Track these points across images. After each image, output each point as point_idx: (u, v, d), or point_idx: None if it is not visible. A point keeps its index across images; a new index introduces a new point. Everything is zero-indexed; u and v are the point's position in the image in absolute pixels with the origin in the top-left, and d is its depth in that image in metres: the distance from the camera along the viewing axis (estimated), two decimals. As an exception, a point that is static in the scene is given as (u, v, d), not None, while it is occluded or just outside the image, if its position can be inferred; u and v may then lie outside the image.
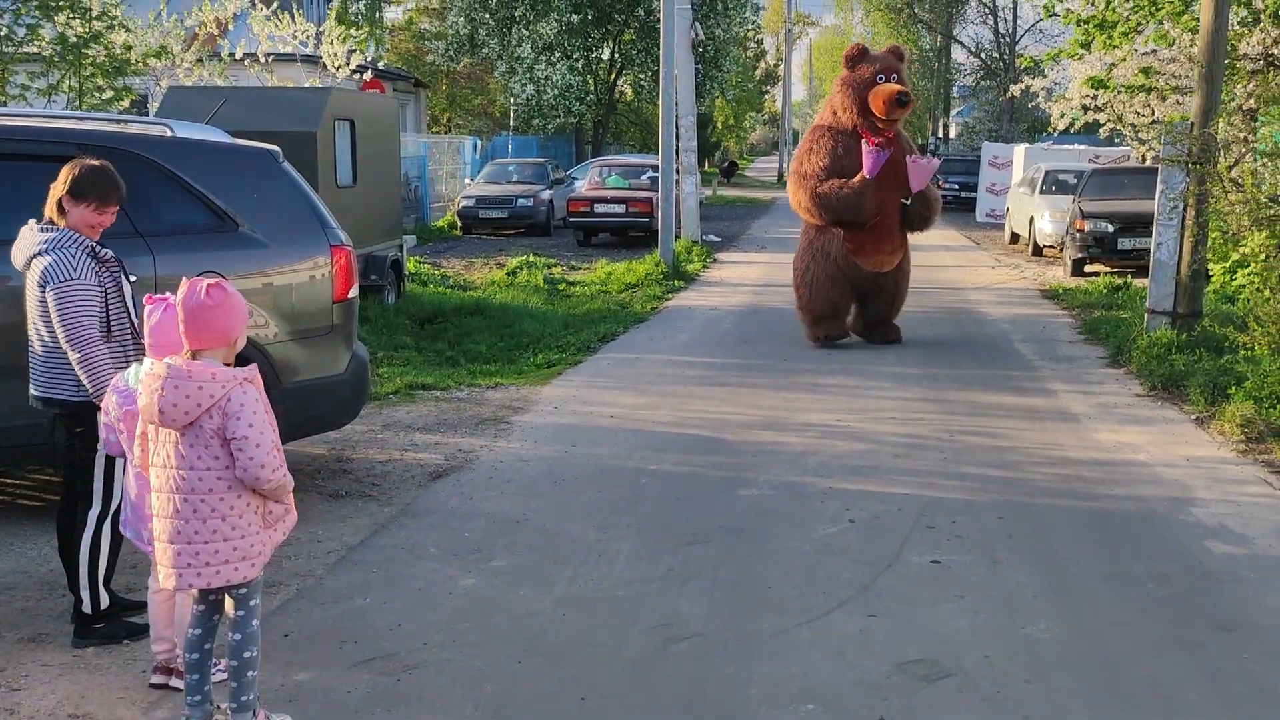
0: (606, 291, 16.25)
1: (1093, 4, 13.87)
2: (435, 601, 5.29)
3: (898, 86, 11.29)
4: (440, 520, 6.43)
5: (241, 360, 4.01)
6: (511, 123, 40.72)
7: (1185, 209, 10.61)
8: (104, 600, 4.79)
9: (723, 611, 5.20)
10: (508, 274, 17.39)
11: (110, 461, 4.62)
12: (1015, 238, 23.85)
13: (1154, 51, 13.85)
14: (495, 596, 5.35)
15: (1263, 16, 11.67)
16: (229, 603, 3.94)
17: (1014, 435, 8.34)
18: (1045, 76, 18.86)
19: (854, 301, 12.08)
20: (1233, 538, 6.18)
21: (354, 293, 6.76)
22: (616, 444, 8.06)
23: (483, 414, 8.95)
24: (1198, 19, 11.15)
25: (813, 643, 4.87)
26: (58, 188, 4.53)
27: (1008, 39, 47.63)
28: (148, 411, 3.75)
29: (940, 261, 20.48)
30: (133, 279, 5.13)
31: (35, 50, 14.92)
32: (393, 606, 5.23)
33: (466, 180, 29.83)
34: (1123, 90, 13.94)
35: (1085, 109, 17.01)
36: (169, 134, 6.27)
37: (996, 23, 48.34)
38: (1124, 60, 13.95)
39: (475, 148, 33.14)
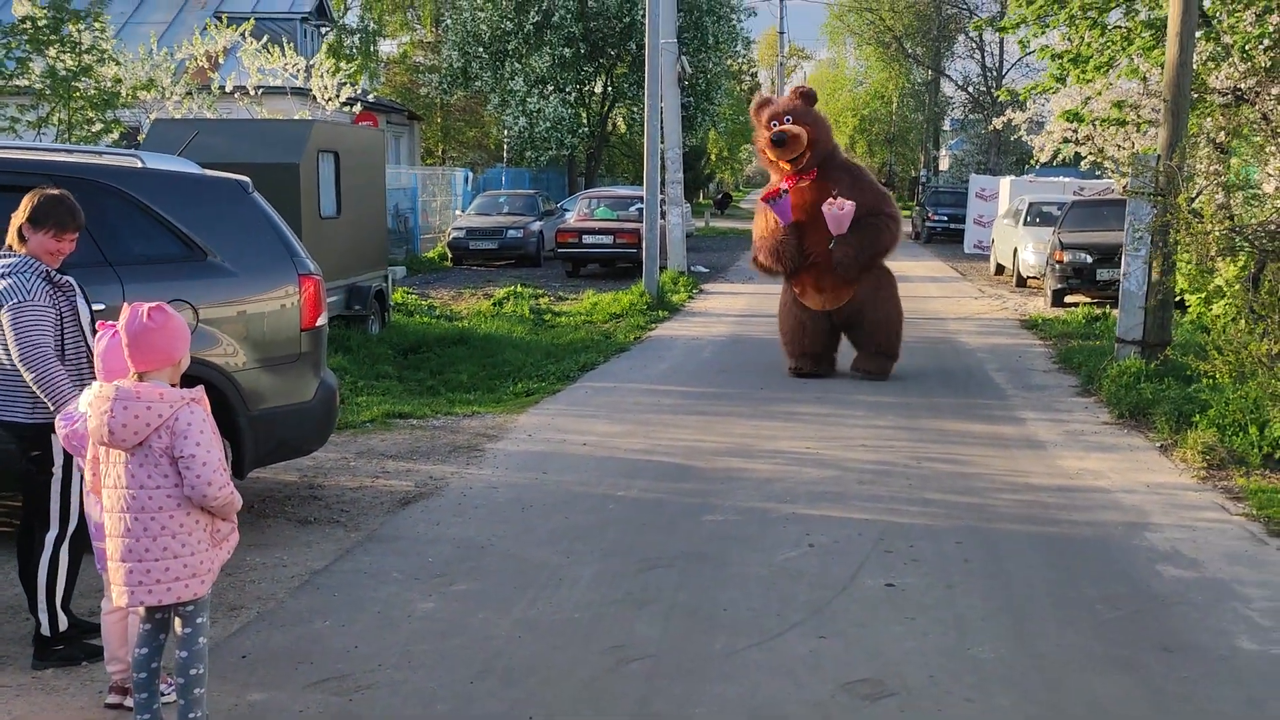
0: (591, 322, 16.38)
1: (1068, 40, 14.04)
2: (394, 624, 5.37)
3: (776, 128, 11.51)
4: (406, 545, 6.51)
5: (192, 383, 4.10)
6: (505, 155, 41.01)
7: (1153, 239, 10.76)
8: (62, 622, 4.87)
9: (677, 633, 5.28)
10: (494, 304, 17.53)
11: (67, 484, 4.72)
12: (1000, 269, 24.04)
13: (1135, 85, 14.03)
14: (454, 619, 5.43)
15: (1232, 51, 11.84)
16: (177, 621, 4.03)
17: (980, 462, 8.44)
18: (1026, 110, 19.04)
19: (833, 338, 12.17)
20: (1184, 562, 6.27)
21: (322, 320, 6.86)
22: (587, 471, 8.15)
23: (457, 442, 9.04)
24: (1168, 54, 11.29)
25: (762, 664, 4.96)
26: (18, 216, 4.65)
27: (994, 73, 48.03)
28: (97, 433, 3.85)
29: (925, 292, 20.63)
30: (100, 307, 5.25)
31: (25, 83, 15.11)
32: (351, 629, 5.30)
33: (457, 212, 30.01)
34: (1098, 123, 14.10)
35: (1067, 141, 17.19)
36: (139, 165, 6.39)
37: (983, 57, 48.76)
38: (1099, 94, 14.12)
39: (467, 180, 33.36)
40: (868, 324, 11.86)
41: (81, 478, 4.57)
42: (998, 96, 22.42)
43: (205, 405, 3.93)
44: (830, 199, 11.43)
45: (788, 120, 11.57)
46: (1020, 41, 15.18)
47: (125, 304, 4.02)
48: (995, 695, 4.65)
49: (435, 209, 29.88)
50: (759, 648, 5.12)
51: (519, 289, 18.97)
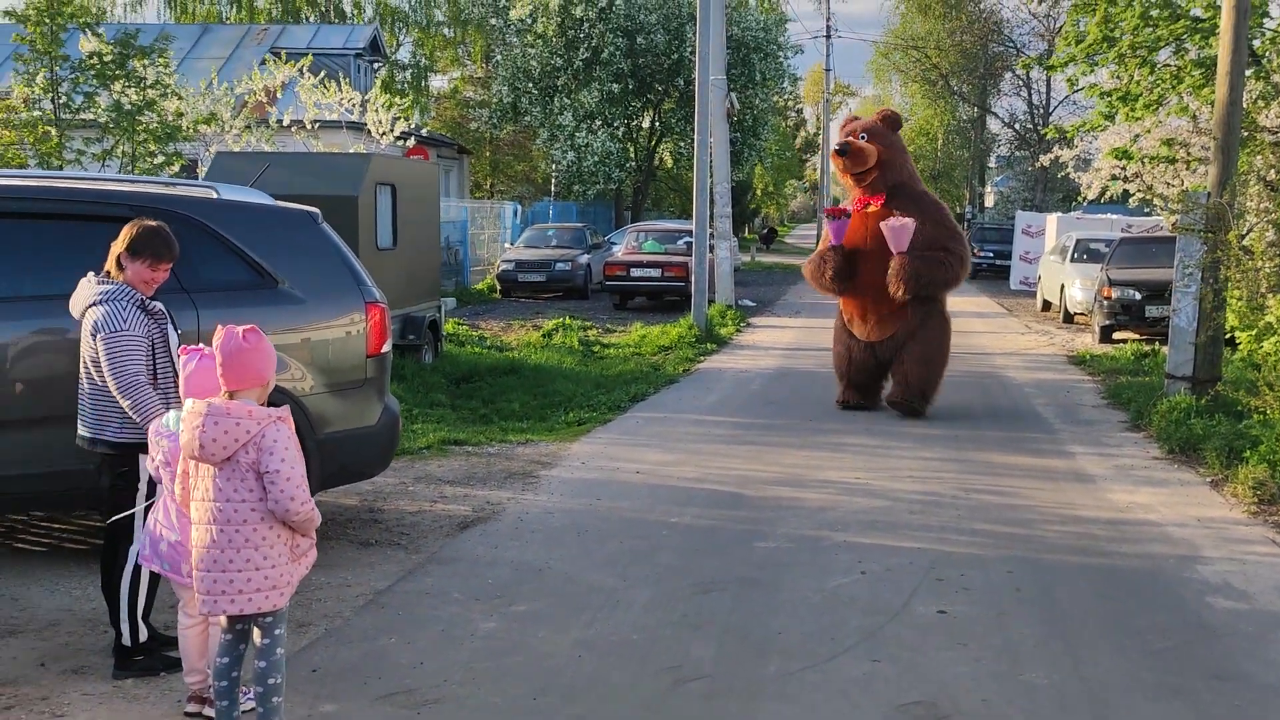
0: (640, 353, 16.54)
1: (1117, 78, 14.14)
2: (457, 642, 5.52)
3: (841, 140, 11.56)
4: (466, 567, 6.67)
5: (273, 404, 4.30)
6: (553, 189, 41.45)
7: (1203, 276, 10.81)
8: (143, 634, 5.07)
9: (732, 655, 5.40)
10: (544, 336, 17.74)
11: (150, 500, 4.92)
12: (1047, 305, 24.03)
13: (1185, 123, 14.09)
14: (515, 639, 5.58)
15: (1282, 89, 11.92)
16: (256, 631, 4.21)
17: (1029, 494, 8.51)
18: (1074, 147, 19.12)
19: (879, 371, 12.01)
20: (1235, 594, 6.32)
21: (387, 347, 7.06)
22: (640, 498, 8.30)
23: (512, 468, 9.22)
24: (1218, 92, 11.36)
25: (816, 685, 5.07)
26: (118, 245, 4.90)
27: (1041, 110, 48.01)
28: (189, 447, 4.06)
29: (971, 328, 20.66)
30: (179, 332, 5.47)
31: (91, 117, 15.53)
32: (416, 646, 5.46)
33: (506, 245, 30.34)
34: (1146, 161, 14.17)
35: (1115, 178, 17.26)
36: (215, 196, 6.63)
37: (1030, 95, 48.77)
38: (1149, 132, 14.20)
39: (516, 213, 33.73)
40: (906, 359, 11.64)
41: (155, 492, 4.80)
42: (1044, 134, 22.47)
43: (291, 424, 4.13)
44: (891, 214, 11.34)
45: (863, 137, 11.56)
46: (1069, 80, 15.29)
47: (219, 326, 4.22)
48: (1049, 719, 4.74)
49: (484, 242, 30.23)
50: (813, 670, 5.23)
51: (568, 321, 19.19)
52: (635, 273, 23.58)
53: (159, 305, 4.98)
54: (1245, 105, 11.53)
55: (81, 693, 4.89)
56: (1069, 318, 21.64)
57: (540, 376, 13.63)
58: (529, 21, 34.79)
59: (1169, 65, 13.72)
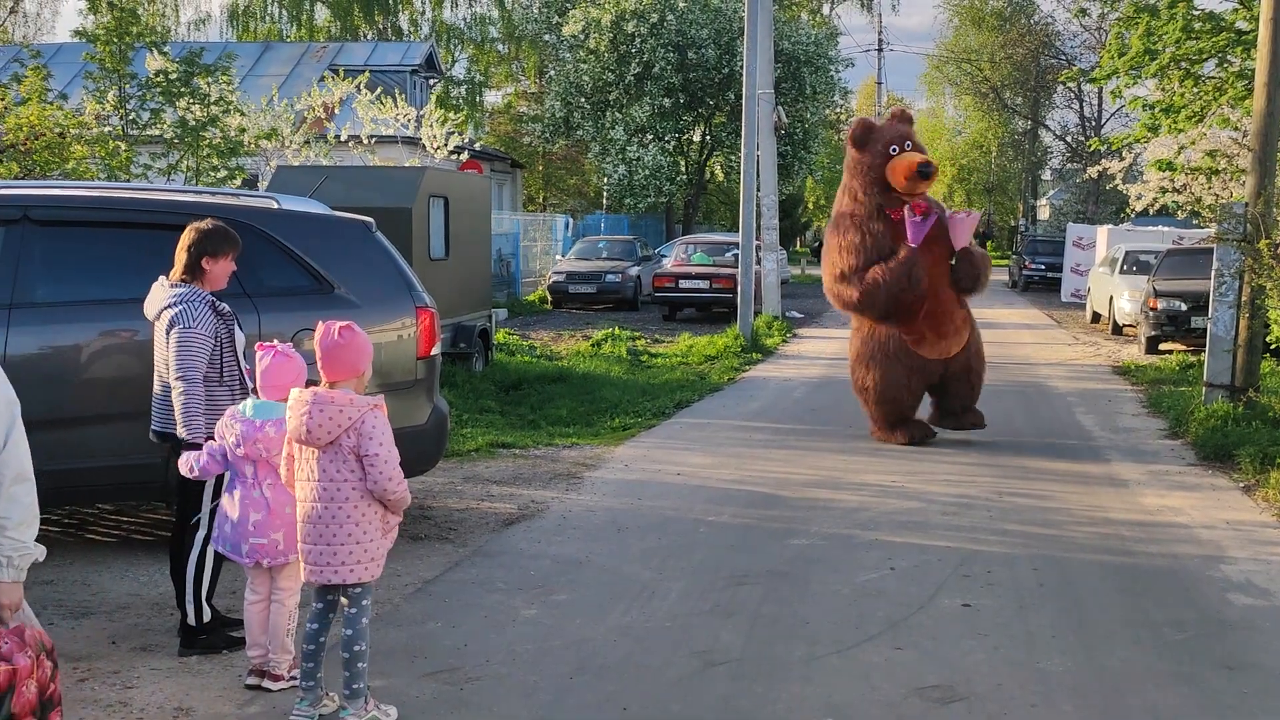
0: (686, 363, 16.82)
1: (1161, 90, 14.26)
2: (499, 627, 5.83)
3: (919, 157, 10.15)
4: (510, 560, 6.99)
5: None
6: (604, 202, 41.86)
7: (1241, 285, 10.93)
8: (206, 614, 5.42)
9: (760, 641, 5.67)
10: (593, 345, 18.06)
11: (217, 490, 5.28)
12: (1096, 317, 24.05)
13: (1232, 134, 14.17)
14: (554, 624, 5.88)
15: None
16: (344, 601, 4.64)
17: (1061, 498, 8.70)
18: (1124, 159, 19.19)
19: (936, 389, 10.88)
20: (1255, 591, 6.50)
21: (436, 350, 7.41)
22: (680, 498, 8.58)
23: (557, 470, 9.53)
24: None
25: (840, 669, 5.33)
26: (185, 254, 5.25)
27: (1093, 123, 47.85)
28: (296, 432, 4.49)
29: (1018, 339, 20.76)
30: (244, 332, 5.85)
31: (157, 133, 16.07)
32: (461, 630, 5.78)
33: (557, 257, 30.75)
34: (1189, 172, 14.27)
35: (1164, 191, 17.33)
36: (276, 207, 7.02)
37: (1082, 107, 48.63)
38: (1193, 144, 14.31)
39: (567, 225, 34.16)
40: (973, 370, 10.71)
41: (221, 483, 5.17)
42: (1089, 147, 22.55)
43: (385, 412, 4.51)
44: (949, 213, 10.52)
45: (909, 146, 10.30)
46: (1112, 92, 15.43)
47: (319, 323, 4.66)
48: (1059, 703, 4.97)
49: (536, 254, 30.67)
50: (837, 656, 5.49)
51: (617, 331, 19.48)
52: (684, 284, 23.86)
53: (226, 306, 5.36)
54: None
55: (149, 667, 5.25)
56: (1118, 329, 21.66)
57: (588, 384, 13.94)
58: (582, 37, 35.23)
59: (1213, 78, 13.82)
